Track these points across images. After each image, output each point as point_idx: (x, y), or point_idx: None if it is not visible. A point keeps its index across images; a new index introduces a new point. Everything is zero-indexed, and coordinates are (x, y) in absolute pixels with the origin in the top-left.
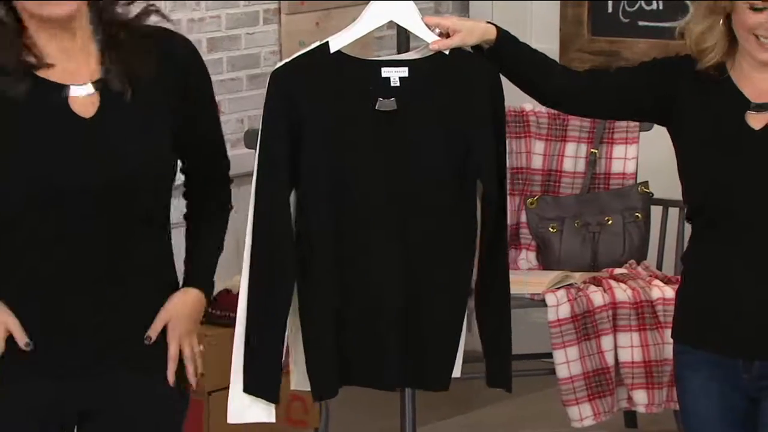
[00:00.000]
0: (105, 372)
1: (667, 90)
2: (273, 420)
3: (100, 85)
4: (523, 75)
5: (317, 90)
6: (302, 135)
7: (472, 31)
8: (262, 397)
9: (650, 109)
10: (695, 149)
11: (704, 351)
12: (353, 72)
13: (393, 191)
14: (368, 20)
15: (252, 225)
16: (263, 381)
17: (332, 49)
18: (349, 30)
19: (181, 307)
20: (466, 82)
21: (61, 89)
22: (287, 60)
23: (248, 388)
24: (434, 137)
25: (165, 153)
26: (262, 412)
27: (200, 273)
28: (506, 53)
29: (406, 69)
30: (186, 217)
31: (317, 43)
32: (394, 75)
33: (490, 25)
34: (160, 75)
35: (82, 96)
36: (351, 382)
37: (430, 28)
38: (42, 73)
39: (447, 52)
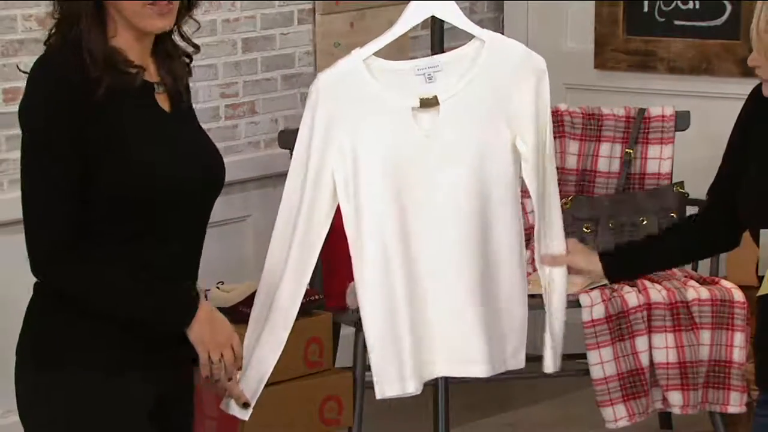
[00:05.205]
0: (184, 360)
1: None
2: (245, 418)
3: (162, 85)
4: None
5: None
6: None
7: (589, 270)
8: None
9: None
10: None
11: None
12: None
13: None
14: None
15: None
16: None
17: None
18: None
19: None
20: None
21: (152, 86)
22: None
23: None
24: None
25: None
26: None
27: None
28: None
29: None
30: None
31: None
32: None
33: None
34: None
35: (160, 93)
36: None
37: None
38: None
39: (485, 45)
